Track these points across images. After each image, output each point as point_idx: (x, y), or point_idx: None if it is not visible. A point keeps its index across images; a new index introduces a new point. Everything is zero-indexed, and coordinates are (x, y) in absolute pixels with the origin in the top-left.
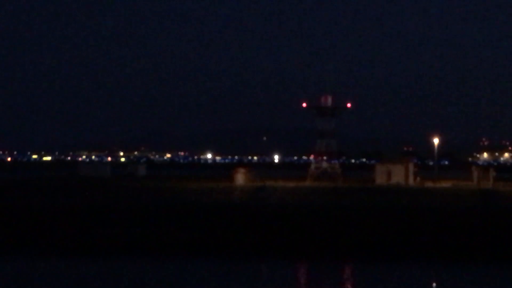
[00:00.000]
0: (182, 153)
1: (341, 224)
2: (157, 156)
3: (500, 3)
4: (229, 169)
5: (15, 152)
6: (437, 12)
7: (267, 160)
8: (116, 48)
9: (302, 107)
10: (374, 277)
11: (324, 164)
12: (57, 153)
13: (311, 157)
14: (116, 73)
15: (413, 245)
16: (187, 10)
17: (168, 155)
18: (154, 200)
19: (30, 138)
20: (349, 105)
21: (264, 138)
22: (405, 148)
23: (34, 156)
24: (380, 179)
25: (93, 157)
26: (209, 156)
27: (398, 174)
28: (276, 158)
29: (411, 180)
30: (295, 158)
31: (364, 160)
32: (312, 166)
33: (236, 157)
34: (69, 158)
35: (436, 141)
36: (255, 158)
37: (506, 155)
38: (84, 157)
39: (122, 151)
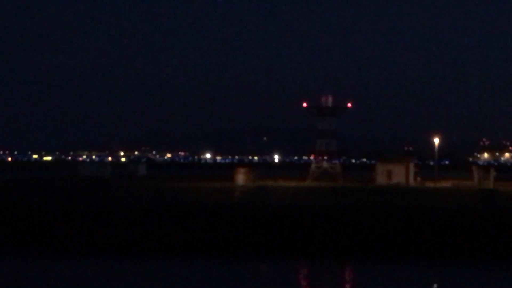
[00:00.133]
0: (182, 153)
1: (341, 224)
2: (157, 156)
3: (500, 3)
4: (229, 169)
5: (15, 152)
6: (437, 12)
7: (267, 160)
8: (116, 48)
9: (302, 107)
10: (374, 277)
11: (325, 164)
12: (57, 153)
13: (312, 157)
14: (116, 73)
15: (413, 245)
16: (187, 10)
17: (169, 155)
18: (155, 200)
19: (30, 138)
20: (349, 105)
21: (264, 138)
22: (406, 148)
23: (35, 156)
24: (380, 179)
25: (94, 157)
26: (208, 156)
27: (398, 174)
28: (276, 158)
29: (411, 180)
30: (296, 158)
31: (364, 160)
32: (313, 166)
33: (236, 157)
34: (69, 158)
35: (436, 141)
36: (255, 158)
37: (507, 155)
38: (84, 157)
39: (122, 151)
